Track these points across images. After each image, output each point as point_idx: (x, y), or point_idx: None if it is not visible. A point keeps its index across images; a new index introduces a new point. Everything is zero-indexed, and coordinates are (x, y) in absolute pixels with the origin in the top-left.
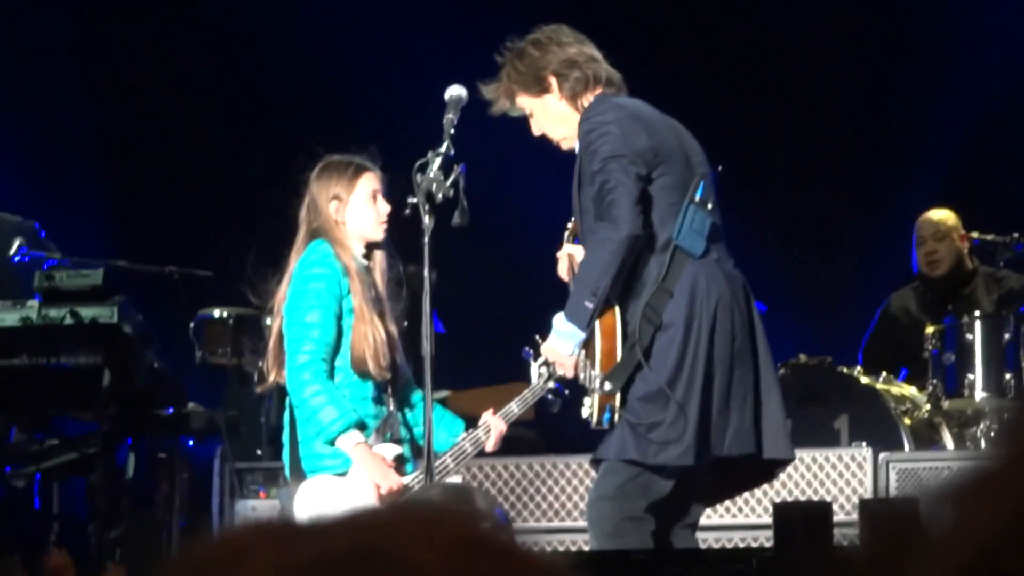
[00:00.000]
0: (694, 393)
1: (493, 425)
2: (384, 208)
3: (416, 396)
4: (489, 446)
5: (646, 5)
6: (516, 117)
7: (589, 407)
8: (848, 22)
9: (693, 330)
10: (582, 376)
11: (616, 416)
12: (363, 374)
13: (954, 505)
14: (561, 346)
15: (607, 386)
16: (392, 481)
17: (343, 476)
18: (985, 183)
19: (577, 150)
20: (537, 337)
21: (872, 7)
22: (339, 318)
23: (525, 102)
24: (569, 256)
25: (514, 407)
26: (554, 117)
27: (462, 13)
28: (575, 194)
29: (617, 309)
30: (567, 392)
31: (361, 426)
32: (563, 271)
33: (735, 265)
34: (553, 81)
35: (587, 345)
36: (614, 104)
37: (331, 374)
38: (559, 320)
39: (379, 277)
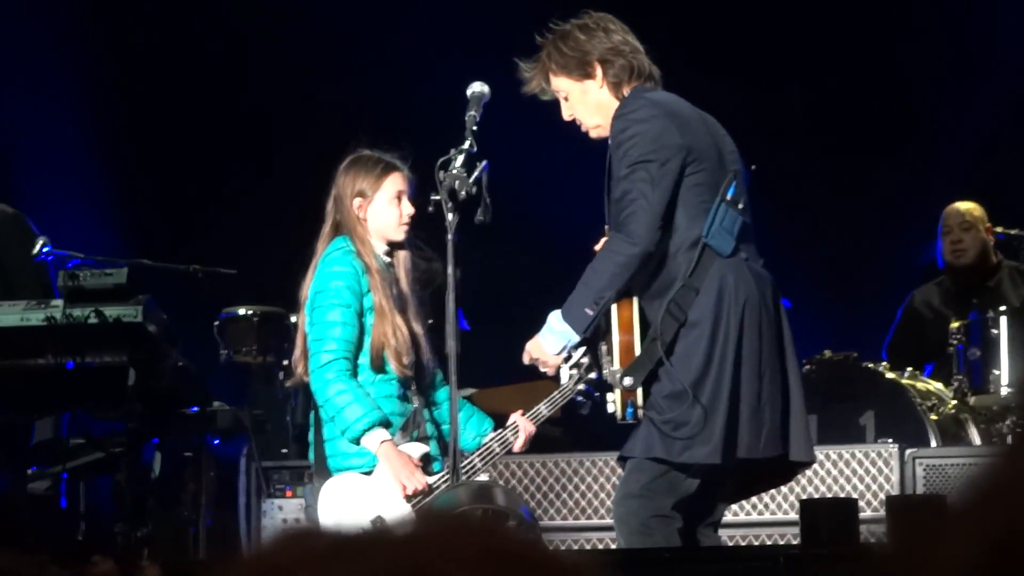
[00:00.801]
0: (722, 392)
1: (522, 426)
2: (408, 210)
3: (443, 394)
4: (517, 447)
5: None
6: (544, 106)
7: (613, 402)
8: (873, 16)
9: (720, 329)
10: (605, 371)
11: (639, 411)
12: (384, 372)
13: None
14: (549, 344)
15: (627, 381)
16: (417, 480)
17: (368, 474)
18: (1009, 178)
19: (610, 142)
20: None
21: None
22: (360, 315)
23: (563, 84)
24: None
25: (543, 408)
26: (592, 104)
27: (485, 9)
28: (606, 186)
29: (636, 302)
30: (597, 395)
31: (386, 424)
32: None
33: (764, 265)
34: (598, 67)
35: (606, 340)
36: (649, 101)
37: (354, 372)
38: (554, 318)
39: (403, 275)
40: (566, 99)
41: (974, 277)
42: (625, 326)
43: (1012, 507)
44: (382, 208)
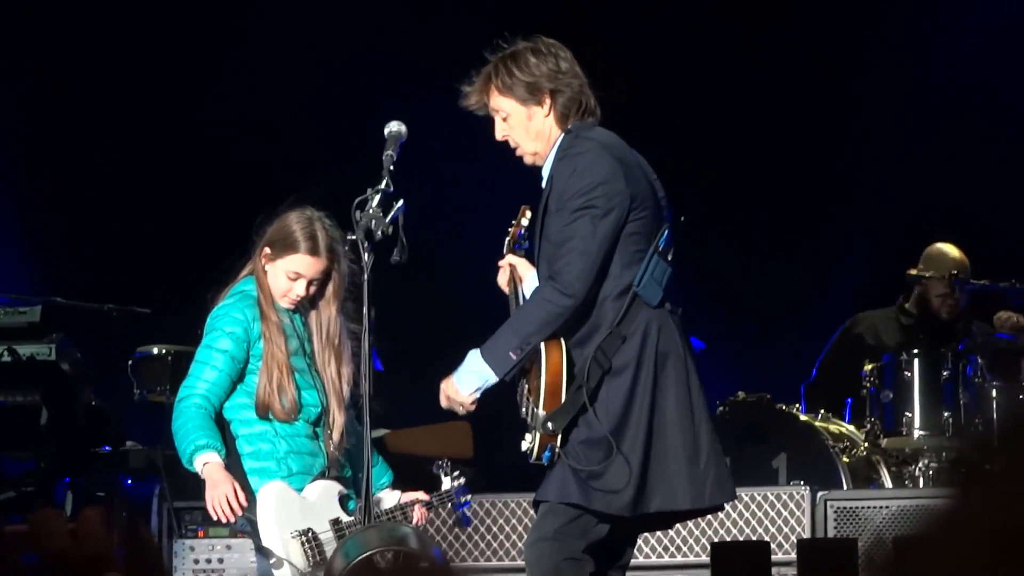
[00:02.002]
0: (639, 441)
1: (418, 513)
2: (299, 291)
3: (356, 436)
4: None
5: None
6: (463, 146)
7: (529, 442)
8: (794, 68)
9: (641, 378)
10: (523, 411)
11: (556, 455)
12: (268, 418)
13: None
14: (465, 384)
15: (549, 426)
16: (227, 510)
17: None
18: (920, 230)
19: (547, 173)
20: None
21: (818, 47)
22: (243, 363)
23: (506, 105)
24: (511, 266)
25: (433, 501)
26: (533, 130)
27: (404, 49)
28: (538, 219)
29: (564, 347)
30: (468, 508)
31: (221, 451)
32: (503, 281)
33: (681, 314)
34: (547, 96)
35: (531, 381)
36: (597, 144)
37: (210, 412)
38: (473, 357)
39: (314, 327)
40: (504, 120)
41: (942, 326)
42: (553, 370)
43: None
44: (278, 274)
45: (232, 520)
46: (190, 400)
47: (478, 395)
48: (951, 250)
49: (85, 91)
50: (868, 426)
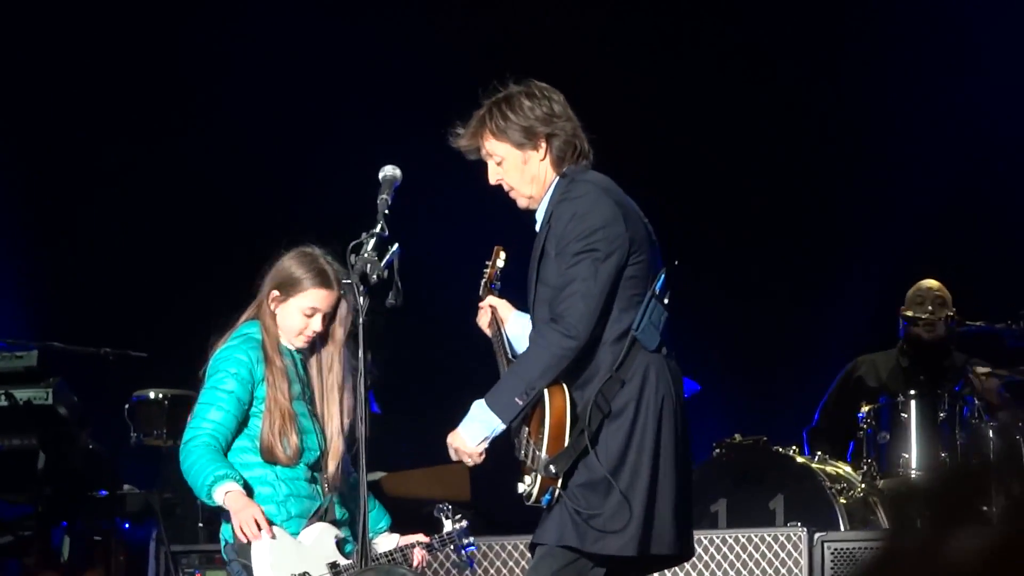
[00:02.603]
0: (639, 483)
1: (418, 555)
2: (315, 327)
3: (353, 477)
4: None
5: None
6: (458, 189)
7: (528, 485)
8: (798, 102)
9: (639, 421)
10: (523, 453)
11: (555, 498)
12: (275, 461)
13: None
14: (472, 433)
15: (552, 469)
16: (257, 530)
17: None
18: (922, 273)
19: (543, 215)
20: (447, 505)
21: (822, 88)
22: (248, 405)
23: (500, 150)
24: (491, 308)
25: (435, 543)
26: (528, 175)
27: (399, 93)
28: (534, 263)
29: (567, 393)
30: (472, 550)
31: (235, 479)
32: (484, 323)
33: (676, 351)
34: (543, 140)
35: (531, 424)
36: (596, 187)
37: (219, 448)
38: (477, 407)
39: (314, 371)
40: (499, 164)
41: (933, 355)
42: (557, 414)
43: None
44: (291, 313)
45: (260, 538)
46: (198, 439)
47: (486, 444)
48: (928, 281)
49: (81, 137)
50: (865, 467)
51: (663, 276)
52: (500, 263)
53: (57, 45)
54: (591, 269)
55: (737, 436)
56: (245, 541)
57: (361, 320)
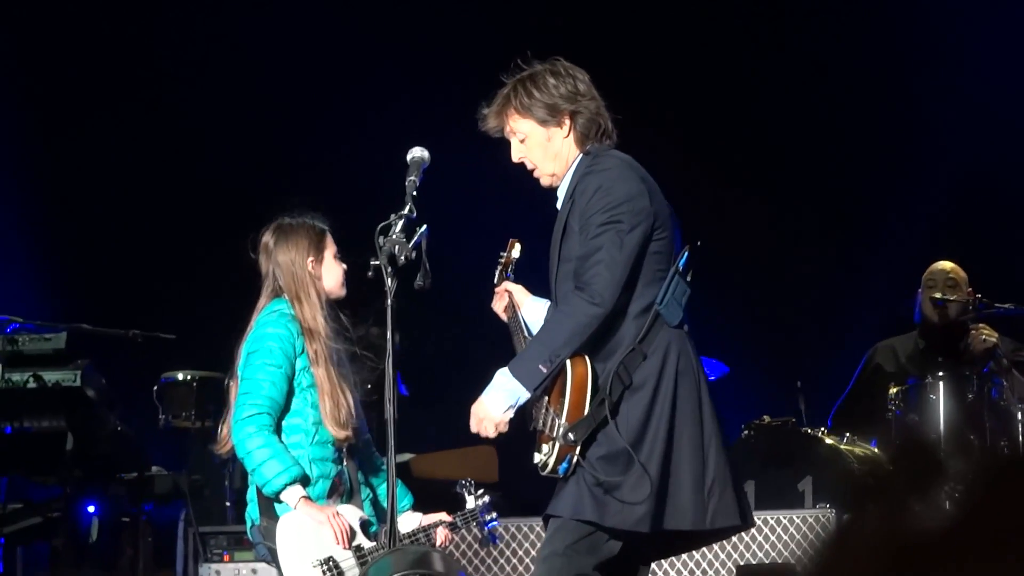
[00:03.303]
0: (655, 456)
1: (442, 535)
2: (343, 267)
3: (378, 459)
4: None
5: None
6: (486, 170)
7: (545, 454)
8: (824, 78)
9: (660, 394)
10: (541, 422)
11: (573, 468)
12: (318, 434)
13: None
14: (496, 402)
15: (571, 436)
16: (339, 523)
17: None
18: (948, 255)
19: (565, 192)
20: (469, 481)
21: (848, 78)
22: (291, 378)
23: (524, 127)
24: (508, 292)
25: (457, 521)
26: (552, 152)
27: (426, 74)
28: (556, 239)
29: (589, 362)
30: (499, 526)
31: (304, 480)
32: (500, 308)
33: (702, 331)
34: (567, 117)
35: (552, 394)
36: (621, 161)
37: (276, 429)
38: (501, 375)
39: (334, 335)
40: (522, 141)
41: (948, 337)
42: (578, 382)
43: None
44: (330, 266)
45: (348, 544)
46: (257, 420)
47: (511, 413)
48: (942, 263)
49: (110, 117)
50: (892, 448)
51: (686, 254)
52: (515, 254)
53: (77, 24)
54: (616, 240)
55: (766, 418)
56: (338, 544)
57: (389, 302)
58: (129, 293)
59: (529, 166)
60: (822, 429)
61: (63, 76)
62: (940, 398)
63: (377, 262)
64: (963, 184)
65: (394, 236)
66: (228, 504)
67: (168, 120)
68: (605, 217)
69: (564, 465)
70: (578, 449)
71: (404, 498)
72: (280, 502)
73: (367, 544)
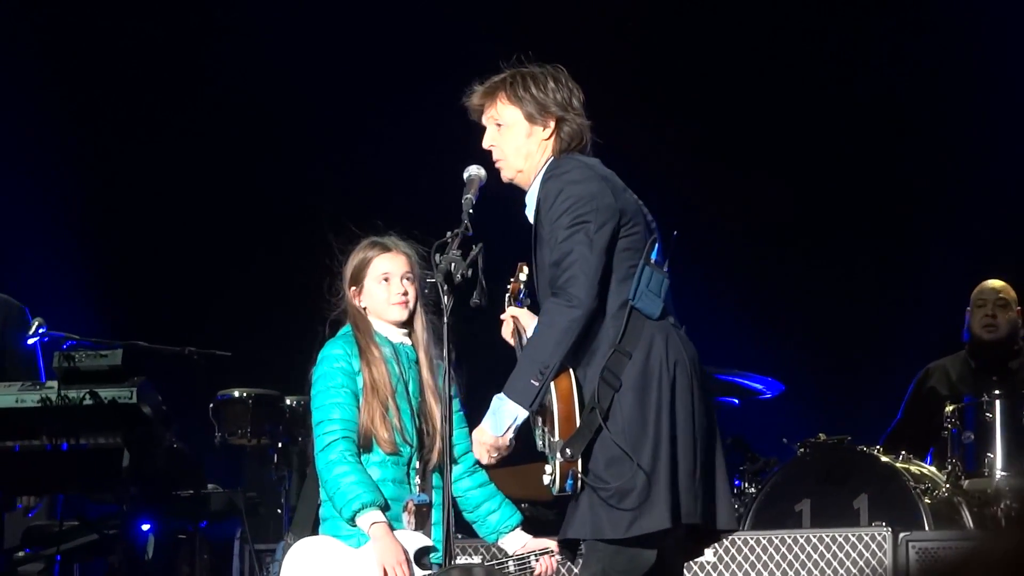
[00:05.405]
0: (661, 454)
1: (545, 565)
2: (397, 289)
3: (472, 480)
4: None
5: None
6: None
7: (550, 474)
8: (882, 104)
9: (653, 391)
10: (540, 444)
11: (579, 483)
12: (371, 452)
13: None
14: (496, 425)
15: (568, 452)
16: (404, 571)
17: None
18: (1003, 274)
19: (533, 202)
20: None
21: (908, 89)
22: (356, 395)
23: (508, 115)
24: (513, 318)
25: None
26: (525, 149)
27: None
28: (532, 251)
29: (572, 372)
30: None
31: (384, 507)
32: (507, 333)
33: (763, 347)
34: (553, 121)
35: (543, 411)
36: (581, 163)
37: (356, 451)
38: (498, 400)
39: (421, 353)
40: (500, 128)
41: (998, 356)
42: (564, 396)
43: None
44: (371, 292)
45: None
46: (335, 447)
47: (511, 434)
48: (992, 282)
49: (167, 132)
50: (949, 467)
51: (657, 244)
52: (523, 277)
53: (129, 41)
54: (585, 240)
55: (821, 435)
56: None
57: (446, 319)
58: (185, 310)
59: (496, 155)
60: (877, 447)
61: (115, 91)
62: (997, 417)
63: (433, 279)
64: (1017, 201)
65: (450, 254)
66: (284, 521)
67: (224, 135)
68: (571, 219)
69: (569, 482)
70: (579, 464)
71: (511, 517)
72: (355, 527)
73: (417, 573)
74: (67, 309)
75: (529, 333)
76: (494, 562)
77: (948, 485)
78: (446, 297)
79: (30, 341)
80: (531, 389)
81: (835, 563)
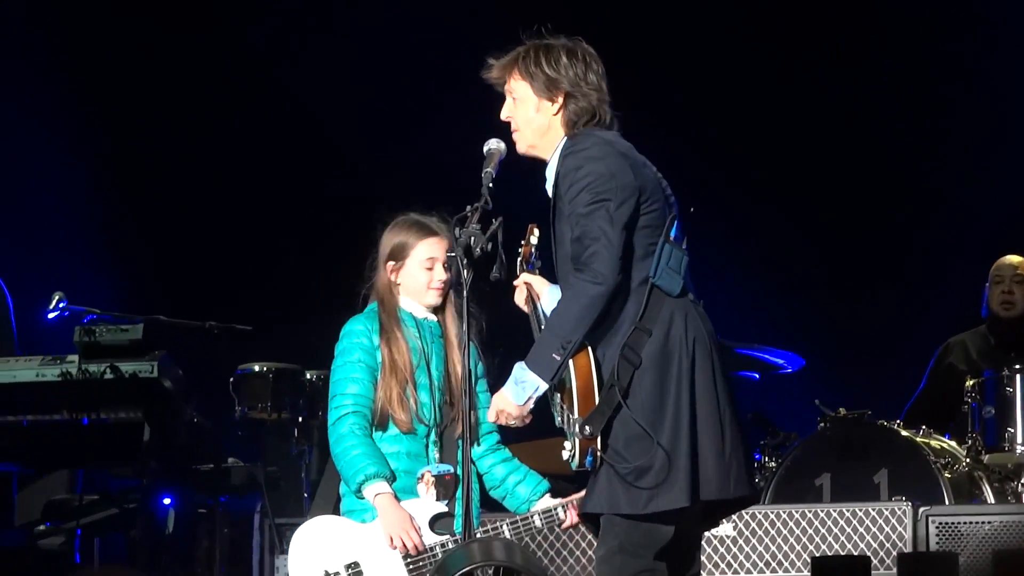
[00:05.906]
0: (681, 432)
1: (571, 513)
2: (439, 275)
3: (494, 456)
4: (567, 523)
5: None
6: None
7: (569, 450)
8: (901, 84)
9: (673, 369)
10: (559, 420)
11: (599, 460)
12: (387, 428)
13: None
14: (517, 395)
15: (587, 430)
16: (410, 537)
17: (365, 523)
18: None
19: (552, 176)
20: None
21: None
22: (376, 369)
23: (520, 90)
24: (526, 284)
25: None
26: (535, 123)
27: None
28: (551, 224)
29: (590, 350)
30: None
31: (390, 478)
32: (521, 300)
33: (787, 320)
34: (561, 97)
35: (563, 389)
36: (601, 139)
37: (366, 426)
38: (519, 369)
39: (451, 330)
40: (515, 100)
41: (1017, 331)
42: (583, 373)
43: None
44: (413, 272)
45: (415, 550)
46: (346, 421)
47: (531, 405)
48: (1010, 258)
49: (190, 110)
50: (970, 442)
51: (676, 221)
52: (534, 240)
53: (150, 11)
54: (607, 217)
55: (841, 410)
56: (393, 548)
57: (465, 293)
58: (206, 284)
59: (513, 127)
60: (897, 421)
61: (140, 65)
62: (1017, 391)
63: (453, 254)
64: None
65: (470, 228)
66: (304, 495)
67: (249, 110)
68: (591, 196)
69: (588, 459)
70: (598, 441)
71: (539, 484)
72: (363, 498)
73: (431, 539)
74: (88, 283)
75: (543, 299)
76: (518, 516)
77: (968, 460)
78: (465, 271)
79: (51, 316)
80: (552, 363)
81: (855, 537)
